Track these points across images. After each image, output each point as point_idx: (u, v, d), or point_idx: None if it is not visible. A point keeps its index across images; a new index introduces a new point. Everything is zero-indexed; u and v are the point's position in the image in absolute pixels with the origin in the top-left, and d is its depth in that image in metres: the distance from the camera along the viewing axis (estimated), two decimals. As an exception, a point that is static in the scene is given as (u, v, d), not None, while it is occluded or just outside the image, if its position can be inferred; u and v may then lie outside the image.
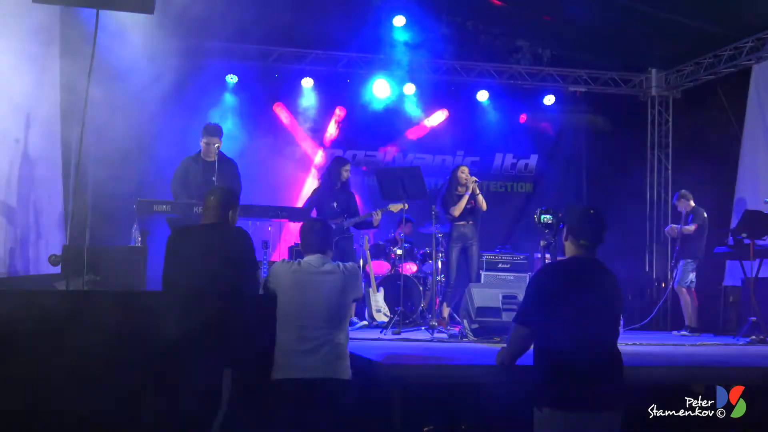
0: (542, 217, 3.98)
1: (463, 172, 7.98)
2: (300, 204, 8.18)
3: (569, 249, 3.61)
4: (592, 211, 3.67)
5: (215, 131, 7.12)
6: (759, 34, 9.68)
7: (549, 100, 11.55)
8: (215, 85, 10.63)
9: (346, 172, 7.81)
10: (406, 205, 7.63)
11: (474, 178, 7.91)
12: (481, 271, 8.65)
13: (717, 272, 9.80)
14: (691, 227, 8.63)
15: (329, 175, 7.83)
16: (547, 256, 4.84)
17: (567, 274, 3.56)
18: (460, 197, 7.84)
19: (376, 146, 11.29)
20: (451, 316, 7.92)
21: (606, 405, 3.43)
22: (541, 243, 4.90)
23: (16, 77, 6.45)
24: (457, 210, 7.82)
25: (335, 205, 7.64)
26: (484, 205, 7.95)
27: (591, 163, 11.74)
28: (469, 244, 7.91)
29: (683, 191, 8.99)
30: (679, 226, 8.88)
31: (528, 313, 3.55)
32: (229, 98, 10.72)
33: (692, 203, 8.83)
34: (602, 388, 3.42)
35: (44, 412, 3.94)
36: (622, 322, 8.85)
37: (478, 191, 7.89)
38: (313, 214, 7.65)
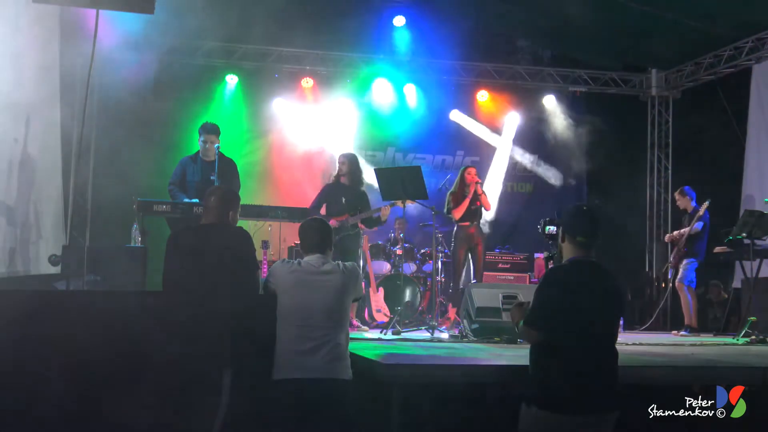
0: (546, 228, 3.89)
1: (469, 174, 8.00)
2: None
3: (567, 250, 3.59)
4: (585, 208, 3.66)
5: (213, 129, 7.09)
6: (759, 34, 9.69)
7: (549, 100, 11.56)
8: (215, 84, 10.65)
9: (339, 165, 7.66)
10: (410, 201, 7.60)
11: (477, 180, 7.94)
12: (481, 271, 8.63)
13: (724, 273, 9.83)
14: (698, 227, 8.53)
15: (336, 171, 7.81)
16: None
17: (570, 277, 3.54)
18: (466, 198, 7.87)
19: (377, 146, 11.29)
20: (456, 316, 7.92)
21: (599, 408, 3.40)
22: (545, 255, 4.77)
23: (15, 77, 6.45)
24: (458, 212, 7.85)
25: (343, 200, 7.54)
26: (488, 205, 7.97)
27: (591, 163, 11.74)
28: (474, 244, 7.93)
29: (684, 189, 8.90)
30: (684, 229, 8.72)
31: (536, 316, 3.56)
32: (228, 98, 10.73)
33: (692, 203, 8.75)
34: (597, 390, 3.41)
35: (44, 412, 3.94)
36: (621, 322, 8.91)
37: (481, 191, 7.91)
38: (322, 211, 7.55)
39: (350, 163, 7.66)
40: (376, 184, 7.50)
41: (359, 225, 7.56)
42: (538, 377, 3.51)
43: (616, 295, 3.59)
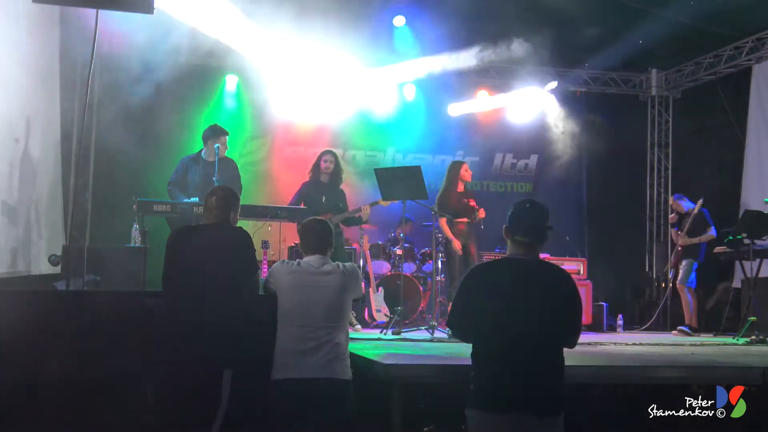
0: None
1: (467, 171, 7.95)
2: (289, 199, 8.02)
3: (508, 247, 3.43)
4: (527, 205, 3.40)
5: (225, 131, 7.17)
6: (759, 34, 9.70)
7: (548, 99, 11.55)
8: (215, 84, 10.64)
9: (324, 163, 7.66)
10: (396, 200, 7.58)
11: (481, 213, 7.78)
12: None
13: (724, 273, 9.82)
14: (714, 234, 8.50)
15: (314, 168, 7.77)
16: None
17: (494, 275, 3.40)
18: (459, 194, 7.81)
19: (377, 146, 11.28)
20: None
21: (531, 409, 3.21)
22: None
23: (16, 77, 6.45)
24: (444, 224, 7.73)
25: (323, 199, 7.55)
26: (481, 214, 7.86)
27: (591, 163, 11.74)
28: (468, 242, 7.87)
29: (674, 197, 8.96)
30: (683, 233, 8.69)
31: (455, 316, 3.49)
32: (229, 98, 10.72)
33: (685, 205, 8.76)
34: (530, 391, 3.23)
35: (45, 411, 3.94)
36: (621, 322, 8.90)
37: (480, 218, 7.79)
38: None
39: (336, 161, 7.74)
40: (362, 184, 7.47)
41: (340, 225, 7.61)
42: (473, 378, 3.39)
43: (559, 295, 3.35)
